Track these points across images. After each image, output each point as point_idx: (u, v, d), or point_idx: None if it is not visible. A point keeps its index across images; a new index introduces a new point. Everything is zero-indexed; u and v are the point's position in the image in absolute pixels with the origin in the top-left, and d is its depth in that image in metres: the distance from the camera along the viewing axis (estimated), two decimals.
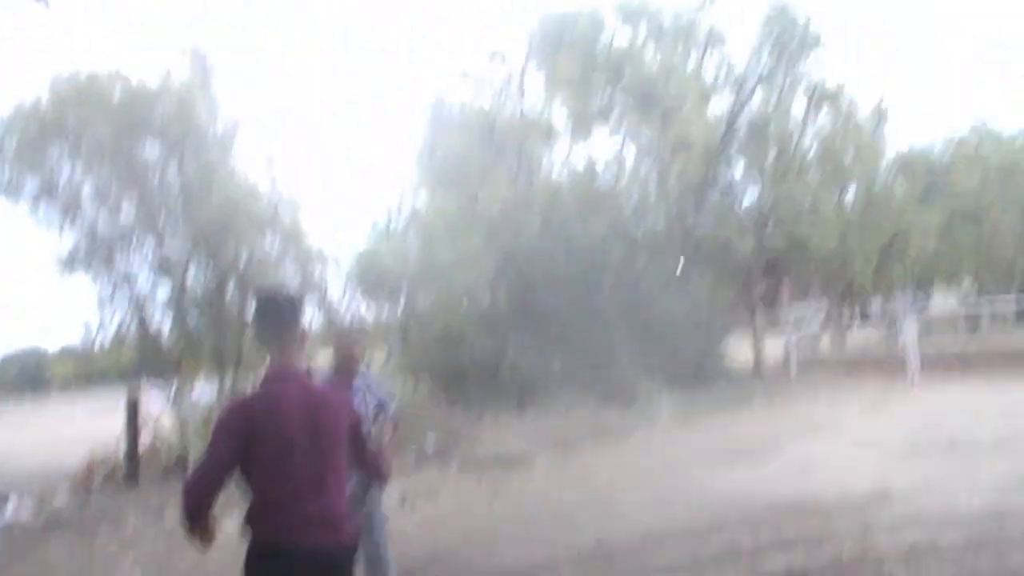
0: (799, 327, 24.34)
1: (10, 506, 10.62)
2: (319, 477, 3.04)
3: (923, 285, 31.31)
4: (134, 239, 13.36)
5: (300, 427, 3.05)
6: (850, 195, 23.38)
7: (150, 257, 13.26)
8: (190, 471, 3.04)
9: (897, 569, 5.55)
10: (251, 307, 3.32)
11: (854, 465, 9.12)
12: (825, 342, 25.41)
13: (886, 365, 19.66)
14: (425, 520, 8.37)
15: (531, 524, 7.89)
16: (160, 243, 13.19)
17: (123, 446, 12.30)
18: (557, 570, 5.96)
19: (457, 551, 7.09)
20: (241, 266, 13.54)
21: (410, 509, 8.84)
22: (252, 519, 3.01)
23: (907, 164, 23.61)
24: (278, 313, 3.23)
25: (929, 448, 9.76)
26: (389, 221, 16.40)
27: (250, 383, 13.67)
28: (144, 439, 12.57)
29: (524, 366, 15.43)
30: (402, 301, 16.80)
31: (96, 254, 13.04)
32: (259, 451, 2.95)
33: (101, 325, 13.24)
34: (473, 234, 15.67)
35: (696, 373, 18.22)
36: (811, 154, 21.39)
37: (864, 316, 27.04)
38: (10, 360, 53.83)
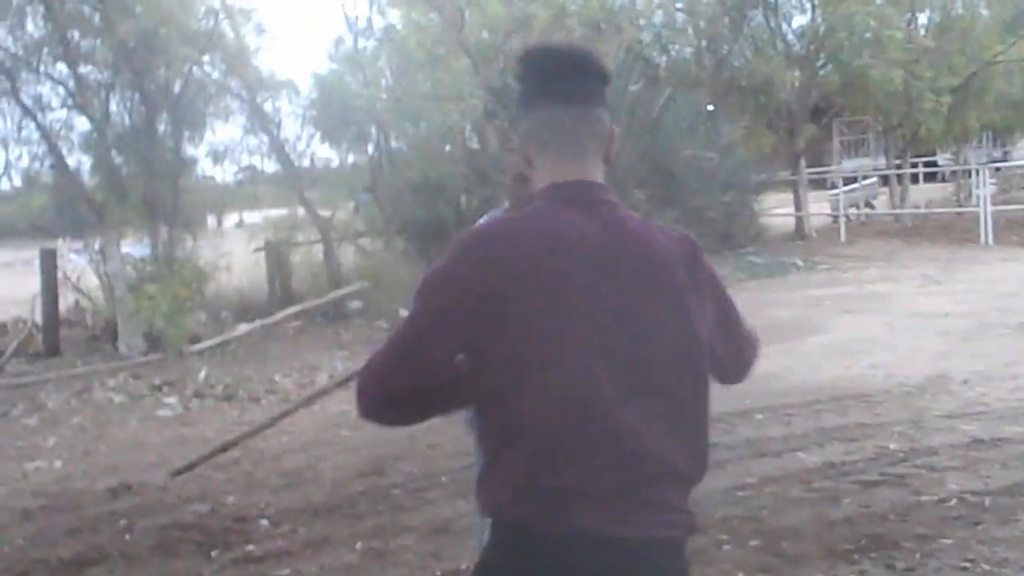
0: (851, 183, 24.25)
1: None
2: (644, 390, 1.83)
3: (1002, 136, 31.16)
4: (42, 60, 13.05)
5: (605, 289, 1.79)
6: (923, 19, 22.83)
7: (63, 83, 12.97)
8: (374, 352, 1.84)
9: (952, 463, 5.68)
10: (518, 64, 1.99)
11: (907, 346, 9.27)
12: (882, 202, 25.38)
13: (954, 229, 19.80)
14: None
15: None
16: (74, 65, 12.87)
17: (40, 309, 12.41)
18: None
19: None
20: (175, 93, 13.29)
21: None
22: (492, 481, 1.83)
23: None
24: (566, 76, 1.91)
25: (997, 328, 9.91)
26: (356, 41, 15.99)
27: (190, 241, 13.61)
28: (65, 302, 12.68)
29: None
30: (372, 141, 16.60)
31: None
32: (515, 334, 1.74)
33: (7, 165, 13.13)
34: (458, 61, 15.31)
35: (724, 235, 18.32)
36: None
37: (930, 172, 26.90)
38: None
